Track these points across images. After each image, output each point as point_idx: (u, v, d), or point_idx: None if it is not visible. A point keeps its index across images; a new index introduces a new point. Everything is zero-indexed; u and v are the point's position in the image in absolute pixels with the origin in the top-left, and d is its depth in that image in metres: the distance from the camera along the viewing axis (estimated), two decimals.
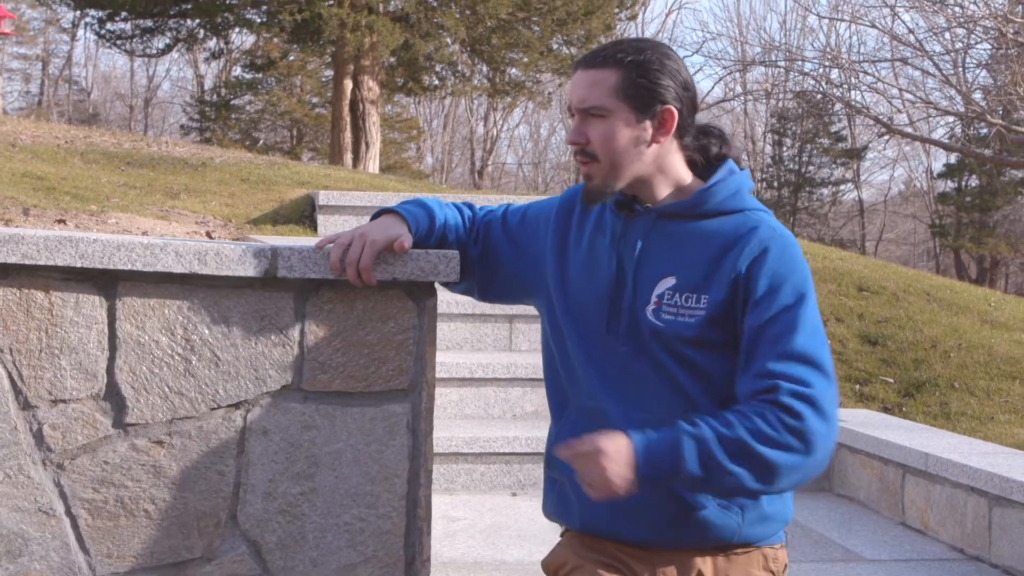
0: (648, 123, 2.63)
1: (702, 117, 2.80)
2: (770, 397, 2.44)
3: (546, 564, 2.81)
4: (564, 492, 2.74)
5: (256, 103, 43.22)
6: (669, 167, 2.68)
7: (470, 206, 3.01)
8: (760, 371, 2.49)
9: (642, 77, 2.61)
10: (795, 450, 2.42)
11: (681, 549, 2.62)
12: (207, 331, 2.76)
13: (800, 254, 2.62)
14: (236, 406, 2.79)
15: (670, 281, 2.61)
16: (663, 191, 2.68)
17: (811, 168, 45.72)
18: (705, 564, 2.63)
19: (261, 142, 42.64)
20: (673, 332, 2.57)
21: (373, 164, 25.12)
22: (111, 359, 2.73)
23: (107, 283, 2.73)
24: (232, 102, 42.73)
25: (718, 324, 2.56)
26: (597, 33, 24.93)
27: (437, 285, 2.91)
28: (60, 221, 8.22)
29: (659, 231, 2.66)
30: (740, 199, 2.67)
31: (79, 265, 2.67)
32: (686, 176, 2.71)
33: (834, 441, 2.49)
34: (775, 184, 45.75)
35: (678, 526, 2.59)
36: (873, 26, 19.52)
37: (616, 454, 2.41)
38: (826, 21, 28.31)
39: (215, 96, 44.68)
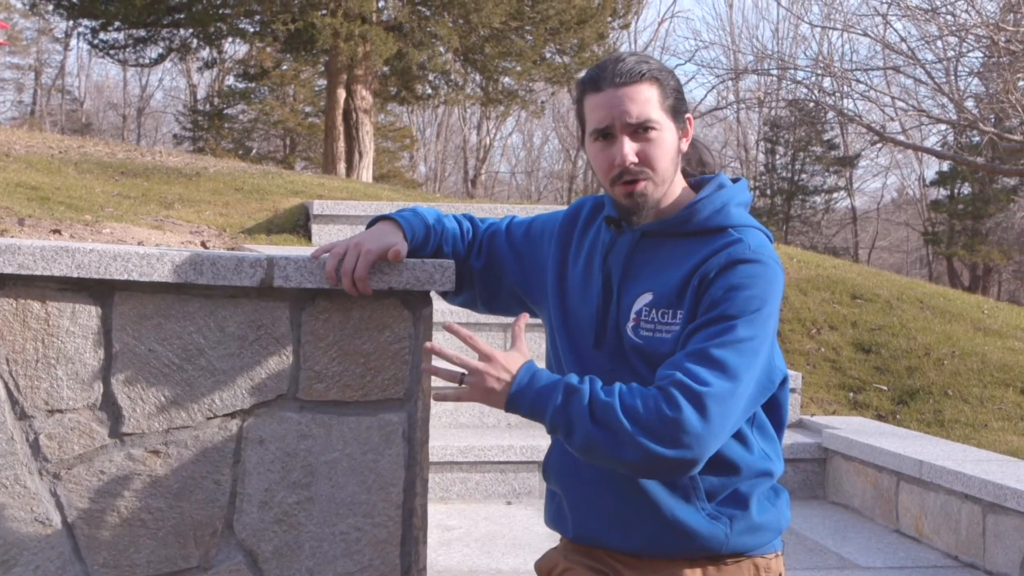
0: (679, 132, 2.67)
1: (695, 125, 2.82)
2: (662, 384, 2.41)
3: (538, 566, 2.85)
4: (560, 504, 2.76)
5: (249, 112, 43.22)
6: (678, 177, 2.70)
7: (471, 218, 3.02)
8: (673, 362, 2.46)
9: (672, 87, 2.65)
10: (660, 438, 2.37)
11: (671, 559, 2.63)
12: (203, 340, 2.77)
13: (771, 279, 2.55)
14: (232, 415, 2.79)
15: (647, 297, 2.61)
16: (665, 203, 2.68)
17: (804, 176, 45.73)
18: (695, 574, 2.63)
19: (254, 151, 42.65)
20: (652, 348, 2.57)
21: (367, 173, 25.14)
22: (107, 369, 2.74)
23: (103, 293, 2.73)
24: (225, 111, 42.71)
25: None
26: (590, 42, 24.99)
27: (437, 297, 2.91)
28: (55, 231, 8.22)
29: (643, 248, 2.67)
30: (725, 216, 2.64)
31: (75, 275, 2.67)
32: (680, 185, 2.72)
33: (709, 445, 2.40)
34: (768, 192, 45.76)
35: (667, 537, 2.60)
36: (865, 34, 19.56)
37: (505, 363, 2.46)
38: (818, 30, 28.33)
39: (208, 105, 44.66)
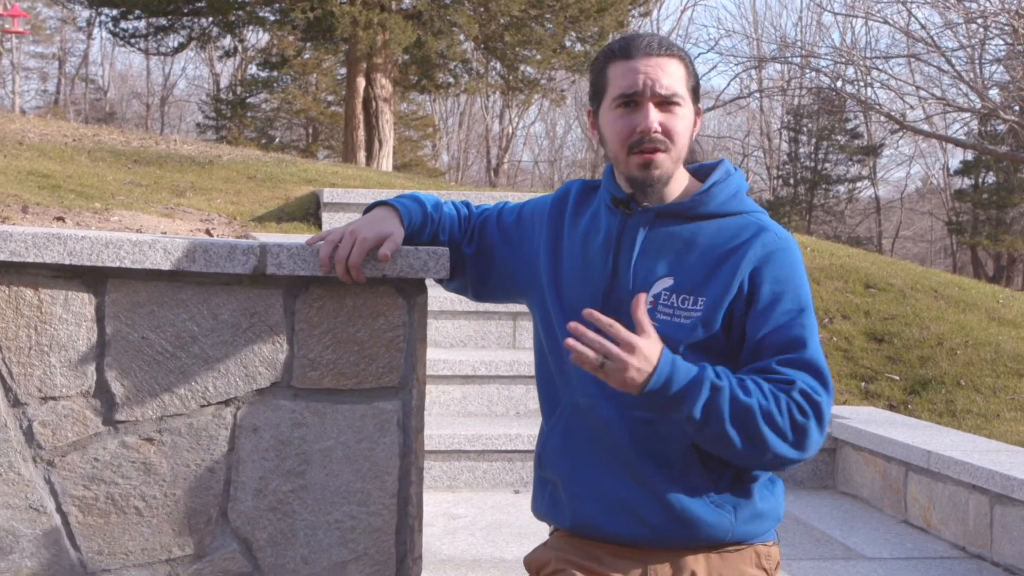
0: (695, 117, 2.70)
1: (717, 115, 2.85)
2: (786, 388, 2.50)
3: (528, 562, 2.82)
4: (555, 492, 2.75)
5: (271, 101, 43.33)
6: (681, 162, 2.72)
7: (467, 204, 3.01)
8: (769, 369, 2.53)
9: (695, 73, 2.71)
10: (789, 442, 2.49)
11: (674, 548, 2.63)
12: (196, 328, 2.77)
13: (800, 259, 2.65)
14: (226, 403, 2.80)
15: (667, 282, 2.61)
16: (672, 187, 2.69)
17: (827, 165, 45.61)
18: (698, 562, 2.63)
19: (277, 140, 42.73)
20: (668, 333, 2.57)
21: (386, 162, 25.14)
22: (100, 356, 2.74)
23: (96, 280, 2.73)
24: (248, 100, 42.85)
25: (713, 327, 2.57)
26: (610, 30, 24.91)
27: (433, 285, 2.91)
28: (59, 219, 8.24)
29: (658, 231, 2.66)
30: (740, 201, 2.69)
31: (67, 262, 2.68)
32: (684, 172, 2.73)
33: (820, 445, 2.57)
34: (791, 181, 45.68)
35: (670, 525, 2.59)
36: (887, 23, 19.49)
37: (647, 352, 2.44)
38: (841, 18, 28.22)
39: (231, 94, 44.81)
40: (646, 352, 2.43)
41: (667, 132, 2.61)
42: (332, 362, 2.84)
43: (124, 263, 2.69)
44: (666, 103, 2.61)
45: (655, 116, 2.60)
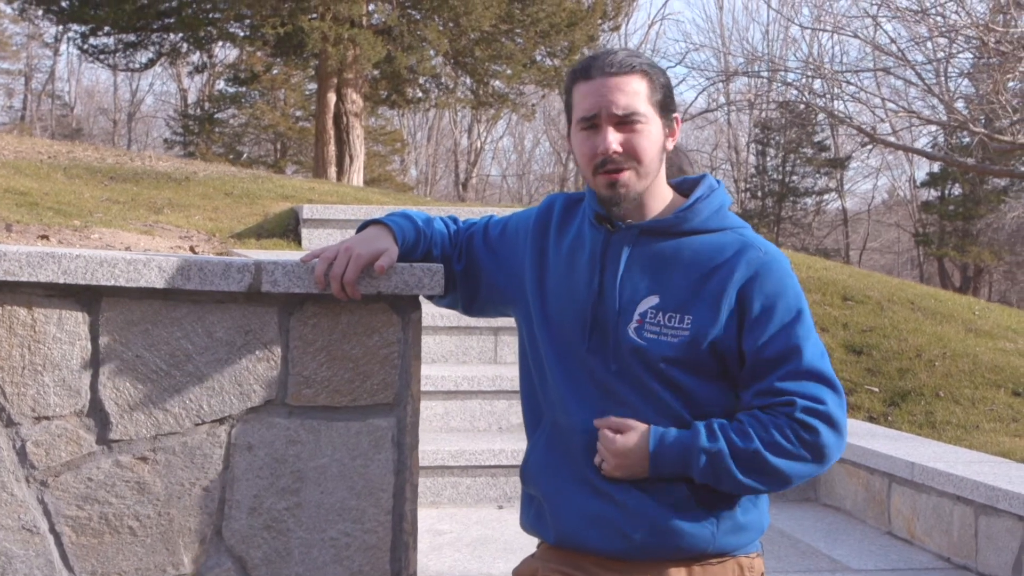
0: (666, 130, 2.68)
1: (685, 128, 2.83)
2: (787, 411, 2.52)
3: (517, 572, 2.83)
4: (540, 507, 2.75)
5: (240, 117, 43.21)
6: (661, 177, 2.71)
7: (454, 220, 3.01)
8: (770, 389, 2.55)
9: (661, 84, 2.67)
10: (808, 461, 2.53)
11: (656, 560, 2.62)
12: (191, 346, 2.75)
13: (789, 269, 2.64)
14: (220, 421, 2.78)
15: (653, 300, 2.61)
16: (652, 203, 2.69)
17: (795, 178, 45.78)
18: (680, 574, 2.63)
19: (245, 155, 42.63)
20: (655, 351, 2.58)
21: (357, 177, 25.13)
22: (94, 375, 2.72)
23: (90, 299, 2.71)
24: (216, 116, 42.74)
25: (701, 346, 2.57)
26: (580, 44, 24.98)
27: (422, 299, 2.90)
28: (43, 237, 8.20)
29: (642, 248, 2.66)
30: (722, 217, 2.69)
31: (62, 281, 2.66)
32: (668, 189, 2.73)
33: (844, 446, 2.59)
34: (759, 194, 45.82)
35: (651, 539, 2.60)
36: (855, 36, 19.55)
37: (632, 455, 2.57)
38: (808, 31, 28.34)
39: (199, 110, 44.68)
40: (624, 445, 2.57)
41: (629, 151, 2.60)
42: (327, 379, 2.82)
43: (119, 281, 2.68)
44: (625, 122, 2.60)
45: (614, 137, 2.60)
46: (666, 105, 2.67)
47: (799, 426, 2.50)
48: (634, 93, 2.61)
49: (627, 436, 2.56)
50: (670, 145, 2.70)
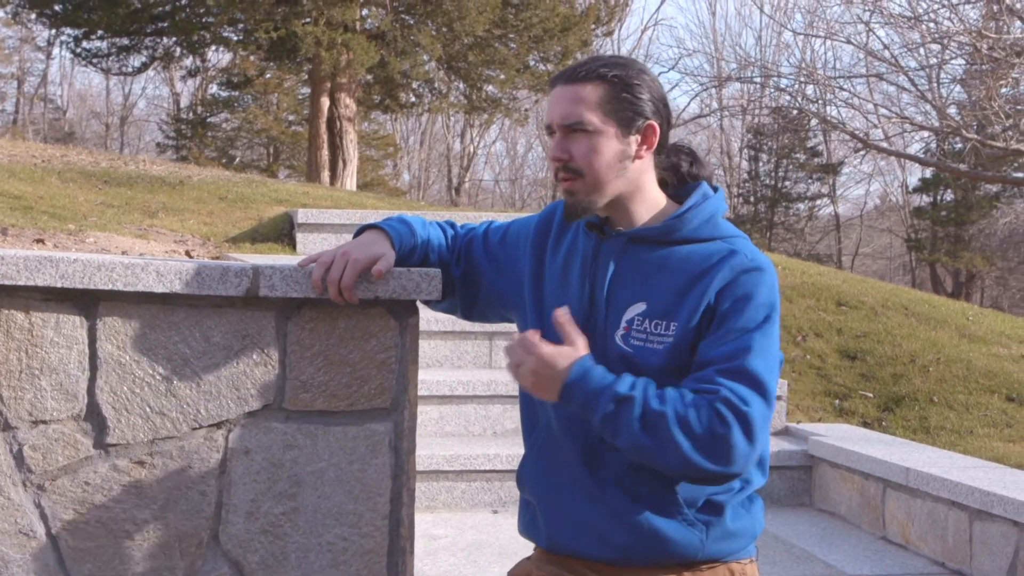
0: (632, 138, 2.63)
1: (677, 134, 2.81)
2: (709, 398, 2.44)
3: (511, 574, 2.85)
4: (534, 512, 2.76)
5: (233, 121, 43.18)
6: (645, 185, 2.68)
7: (452, 224, 3.01)
8: (705, 378, 2.48)
9: (626, 92, 2.61)
10: (709, 452, 2.43)
11: (645, 567, 2.62)
12: (188, 351, 2.75)
13: (771, 281, 2.60)
14: (218, 426, 2.78)
15: (640, 307, 2.60)
16: (639, 211, 2.67)
17: (787, 183, 45.83)
18: None
19: (238, 160, 42.58)
20: (641, 358, 2.57)
21: (350, 182, 25.11)
22: (92, 379, 2.72)
23: (88, 303, 2.71)
24: (208, 120, 42.72)
25: (685, 351, 2.56)
26: (574, 49, 24.98)
27: (419, 303, 2.90)
28: (38, 241, 8.19)
29: (630, 256, 2.65)
30: (714, 226, 2.66)
31: (59, 285, 2.65)
32: (660, 197, 2.71)
33: (751, 461, 2.48)
34: (751, 199, 45.85)
35: (643, 545, 2.59)
36: (848, 42, 19.56)
37: (554, 359, 2.51)
38: (801, 37, 28.37)
39: (191, 114, 44.65)
40: (551, 359, 2.50)
41: (573, 160, 2.60)
42: (324, 384, 2.82)
43: (116, 286, 2.67)
44: (571, 131, 2.60)
45: (560, 146, 2.61)
46: (628, 112, 2.62)
47: (714, 415, 2.42)
48: (581, 101, 2.59)
49: (556, 350, 2.51)
50: (644, 153, 2.65)
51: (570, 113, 2.60)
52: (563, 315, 2.56)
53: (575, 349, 2.52)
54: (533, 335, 2.53)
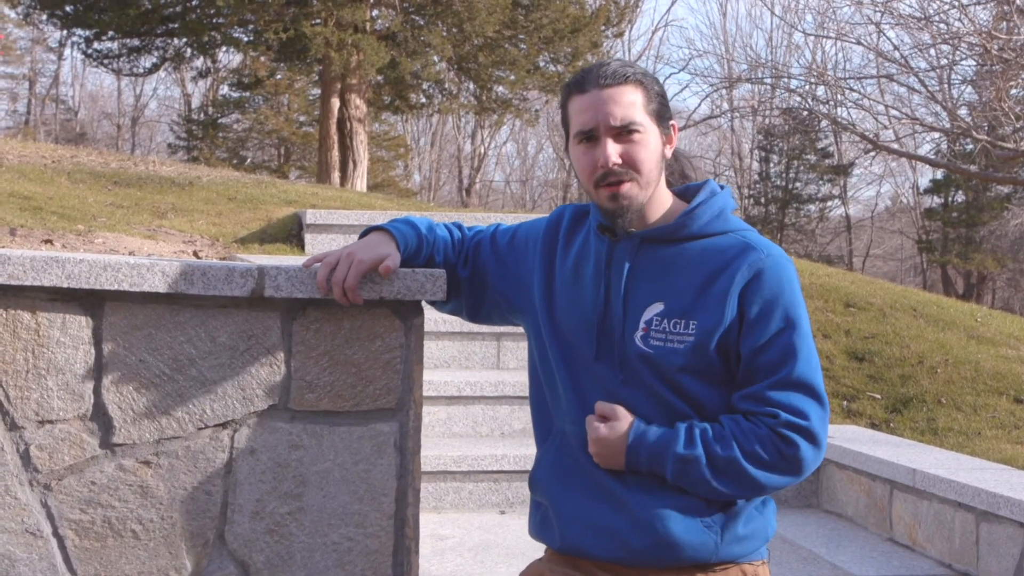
0: (663, 138, 2.69)
1: (688, 135, 2.83)
2: (770, 423, 2.53)
3: (523, 575, 2.85)
4: (547, 515, 2.76)
5: (243, 122, 43.26)
6: (662, 184, 2.70)
7: (459, 226, 3.02)
8: (758, 396, 2.55)
9: (658, 93, 2.67)
10: (783, 472, 2.55)
11: (660, 568, 2.63)
12: (194, 351, 2.76)
13: (792, 273, 2.64)
14: (223, 426, 2.79)
15: (658, 307, 2.61)
16: (651, 210, 2.68)
17: (798, 184, 45.81)
18: None
19: (248, 160, 42.65)
20: (662, 358, 2.58)
21: (361, 182, 25.12)
22: (98, 379, 2.73)
23: (94, 303, 2.72)
24: (219, 120, 42.79)
25: (708, 350, 2.57)
26: (584, 51, 24.99)
27: (426, 305, 2.91)
28: (47, 241, 8.21)
29: (645, 256, 2.66)
30: (724, 220, 2.68)
31: (66, 285, 2.67)
32: (668, 196, 2.73)
33: (822, 458, 2.60)
34: (762, 200, 45.83)
35: (653, 548, 2.60)
36: (859, 43, 19.57)
37: (612, 446, 2.60)
38: (812, 38, 28.37)
39: (202, 115, 44.76)
40: (608, 439, 2.60)
41: (629, 162, 2.60)
42: (329, 384, 2.83)
43: (122, 286, 2.68)
44: (623, 133, 2.61)
45: (613, 149, 2.60)
46: (662, 113, 2.68)
47: (779, 439, 2.52)
48: (630, 104, 2.61)
49: (611, 426, 2.59)
50: (668, 152, 2.71)
51: (624, 115, 2.61)
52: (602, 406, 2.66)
53: (622, 417, 2.61)
54: (589, 421, 2.64)
